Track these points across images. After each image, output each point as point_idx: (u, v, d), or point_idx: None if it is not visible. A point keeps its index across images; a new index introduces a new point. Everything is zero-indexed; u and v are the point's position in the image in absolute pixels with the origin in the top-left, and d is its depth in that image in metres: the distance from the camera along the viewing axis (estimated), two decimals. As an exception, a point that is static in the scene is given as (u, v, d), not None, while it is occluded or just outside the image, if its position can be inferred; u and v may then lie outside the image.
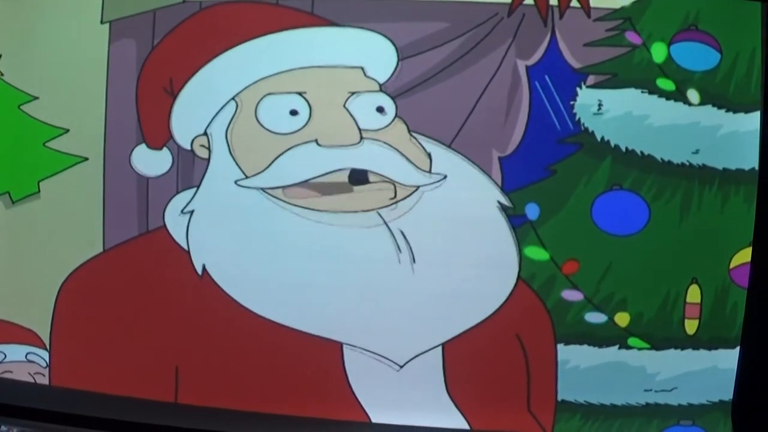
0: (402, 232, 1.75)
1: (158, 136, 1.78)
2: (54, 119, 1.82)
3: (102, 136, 1.80)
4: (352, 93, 1.73)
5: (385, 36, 1.72)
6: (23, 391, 1.89)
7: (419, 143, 1.74)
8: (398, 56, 1.73)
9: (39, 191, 1.83)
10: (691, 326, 1.76)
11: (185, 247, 1.80)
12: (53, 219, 1.84)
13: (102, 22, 1.78)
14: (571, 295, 1.76)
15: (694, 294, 1.75)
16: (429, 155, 1.74)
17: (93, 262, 1.83)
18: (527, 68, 1.72)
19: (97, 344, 1.86)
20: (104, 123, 1.80)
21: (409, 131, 1.74)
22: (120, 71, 1.78)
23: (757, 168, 1.72)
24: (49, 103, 1.82)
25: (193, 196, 1.79)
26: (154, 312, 1.84)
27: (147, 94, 1.78)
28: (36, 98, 1.82)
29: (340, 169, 1.73)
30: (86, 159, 1.81)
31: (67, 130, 1.81)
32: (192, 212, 1.79)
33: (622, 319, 1.76)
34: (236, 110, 1.75)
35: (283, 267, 1.79)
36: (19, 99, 1.82)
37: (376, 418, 1.83)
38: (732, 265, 1.75)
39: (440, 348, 1.79)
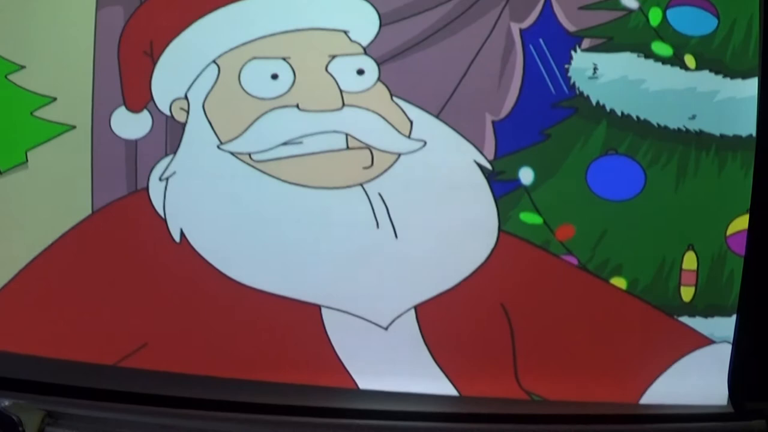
0: (380, 195, 1.74)
1: (138, 98, 1.76)
2: (41, 88, 1.79)
3: (90, 104, 1.78)
4: (335, 56, 1.72)
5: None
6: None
7: (401, 108, 1.72)
8: (380, 19, 1.71)
9: (27, 161, 1.81)
10: (687, 293, 1.75)
11: (163, 213, 1.79)
12: (41, 188, 1.81)
13: (89, -11, 1.76)
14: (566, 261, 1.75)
15: (690, 261, 1.74)
16: (410, 121, 1.72)
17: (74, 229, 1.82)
18: (521, 31, 1.70)
19: (70, 311, 1.84)
20: (92, 90, 1.77)
21: (391, 95, 1.72)
22: (107, 38, 1.76)
23: (754, 135, 1.70)
24: (36, 71, 1.79)
25: (170, 162, 1.77)
26: (132, 277, 1.82)
27: (128, 57, 1.76)
28: (23, 67, 1.79)
29: (317, 133, 1.72)
30: (74, 127, 1.79)
31: (55, 99, 1.78)
32: (169, 178, 1.78)
33: (618, 284, 1.75)
34: (218, 74, 1.74)
35: (261, 232, 1.78)
36: (6, 69, 1.79)
37: (363, 384, 1.82)
38: (729, 232, 1.73)
39: (413, 312, 1.78)
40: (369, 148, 1.73)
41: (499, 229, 1.74)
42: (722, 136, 1.71)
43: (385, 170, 1.74)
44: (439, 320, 1.78)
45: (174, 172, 1.77)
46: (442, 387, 1.80)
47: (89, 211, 1.80)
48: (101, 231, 1.80)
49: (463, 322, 1.77)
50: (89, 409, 1.83)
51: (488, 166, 1.73)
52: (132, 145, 1.78)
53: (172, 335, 1.83)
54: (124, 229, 1.80)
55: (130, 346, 1.83)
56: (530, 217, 1.73)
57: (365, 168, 1.73)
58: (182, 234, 1.79)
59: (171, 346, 1.83)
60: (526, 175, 1.72)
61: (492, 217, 1.74)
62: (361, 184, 1.74)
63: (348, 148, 1.73)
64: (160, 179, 1.78)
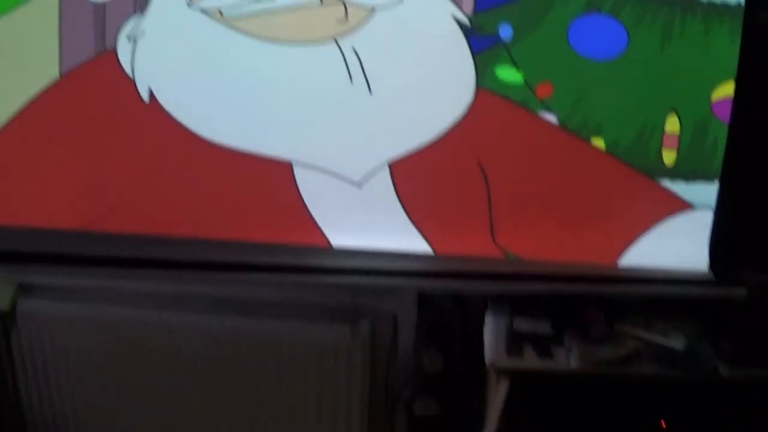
0: (354, 49, 1.69)
1: None
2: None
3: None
4: None
5: None
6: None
7: None
8: None
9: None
10: (669, 157, 1.71)
11: (131, 73, 1.75)
12: (9, 56, 1.77)
13: None
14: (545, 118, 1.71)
15: (672, 124, 1.69)
16: None
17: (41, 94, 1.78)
18: None
19: (39, 176, 1.81)
20: None
21: None
22: None
23: (742, 2, 1.64)
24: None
25: (139, 21, 1.72)
26: (100, 139, 1.79)
27: None
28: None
29: None
30: None
31: (21, -37, 1.73)
32: (137, 38, 1.73)
33: (598, 144, 1.71)
34: None
35: (231, 89, 1.73)
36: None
37: (336, 242, 1.80)
38: (714, 98, 1.68)
39: (388, 170, 1.76)
40: (343, 1, 1.67)
41: (477, 85, 1.69)
42: (710, 2, 1.64)
43: (360, 24, 1.68)
44: (414, 178, 1.75)
45: (142, 31, 1.72)
46: (417, 244, 1.79)
47: (57, 76, 1.75)
48: (69, 95, 1.76)
49: (439, 179, 1.75)
50: (63, 276, 1.82)
51: (466, 21, 1.68)
52: (100, 8, 1.72)
53: (143, 196, 1.81)
54: (92, 91, 1.76)
55: (100, 208, 1.81)
56: (509, 74, 1.68)
57: (339, 23, 1.68)
58: (151, 94, 1.75)
59: (142, 207, 1.81)
60: (506, 31, 1.67)
61: (469, 72, 1.69)
62: (335, 39, 1.69)
63: (322, 3, 1.67)
64: (128, 39, 1.73)
